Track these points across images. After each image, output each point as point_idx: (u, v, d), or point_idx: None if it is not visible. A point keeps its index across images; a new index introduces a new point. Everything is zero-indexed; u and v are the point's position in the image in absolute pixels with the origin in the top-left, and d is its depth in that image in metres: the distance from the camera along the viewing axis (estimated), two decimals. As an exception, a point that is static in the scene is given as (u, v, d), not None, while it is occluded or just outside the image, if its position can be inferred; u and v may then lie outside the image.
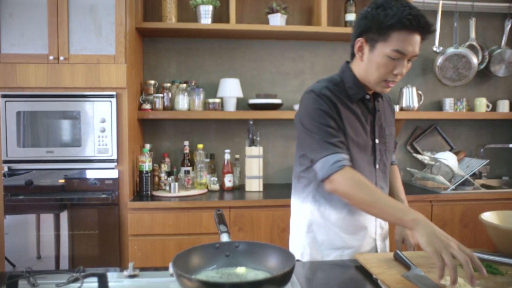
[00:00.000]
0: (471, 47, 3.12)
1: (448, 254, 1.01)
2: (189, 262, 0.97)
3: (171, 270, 1.12)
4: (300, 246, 1.49)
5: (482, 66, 3.17)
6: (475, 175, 3.07)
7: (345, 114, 1.36)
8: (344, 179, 1.26)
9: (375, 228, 1.47)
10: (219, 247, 1.02)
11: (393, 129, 1.53)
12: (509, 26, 3.16)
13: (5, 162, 2.37)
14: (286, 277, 0.87)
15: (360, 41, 1.32)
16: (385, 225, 1.53)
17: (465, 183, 2.74)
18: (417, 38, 1.25)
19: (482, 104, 3.13)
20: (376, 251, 1.49)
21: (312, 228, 1.47)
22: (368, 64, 1.33)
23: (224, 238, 1.05)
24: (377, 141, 1.43)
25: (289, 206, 2.45)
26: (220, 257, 1.01)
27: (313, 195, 1.45)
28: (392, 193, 1.59)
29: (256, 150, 2.73)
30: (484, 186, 2.87)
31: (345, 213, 1.41)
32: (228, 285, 0.83)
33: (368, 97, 1.41)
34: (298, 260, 1.48)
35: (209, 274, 0.97)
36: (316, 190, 1.43)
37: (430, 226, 1.11)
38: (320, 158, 1.30)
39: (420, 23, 1.22)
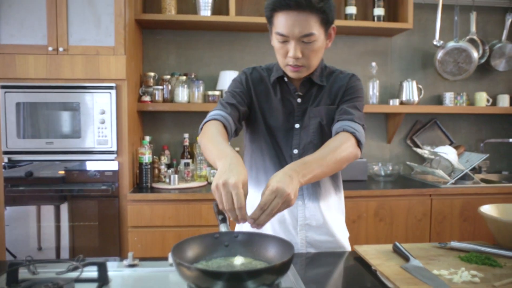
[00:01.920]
0: (472, 41, 3.11)
1: (219, 196, 0.95)
2: (188, 251, 0.97)
3: (170, 260, 1.13)
4: None
5: (483, 61, 3.16)
6: (475, 170, 3.07)
7: (262, 96, 1.38)
8: (203, 132, 1.23)
9: (292, 220, 1.36)
10: (218, 237, 1.02)
11: (330, 111, 1.35)
12: (510, 20, 3.15)
13: (5, 153, 2.37)
14: (284, 266, 0.87)
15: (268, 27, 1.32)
16: (319, 219, 1.37)
17: (464, 177, 2.74)
18: (296, 17, 1.18)
19: (482, 99, 3.13)
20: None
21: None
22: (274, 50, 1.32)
23: (223, 228, 1.05)
24: (297, 125, 1.36)
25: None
26: (219, 247, 1.01)
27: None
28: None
29: (256, 143, 2.73)
30: (483, 180, 2.88)
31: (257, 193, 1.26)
32: (227, 273, 0.83)
33: (286, 79, 1.36)
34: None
35: (208, 264, 0.97)
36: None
37: (225, 169, 0.98)
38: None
39: (285, 1, 1.17)
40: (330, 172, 1.16)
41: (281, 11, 1.20)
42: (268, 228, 1.38)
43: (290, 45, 1.23)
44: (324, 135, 1.36)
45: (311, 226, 1.39)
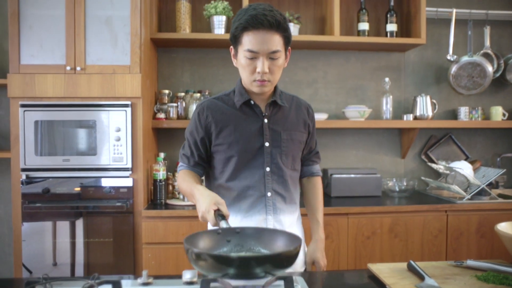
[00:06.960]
0: (486, 55, 3.09)
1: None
2: (200, 242, 1.04)
3: (184, 278, 1.14)
4: None
5: (498, 74, 3.14)
6: (492, 185, 3.02)
7: (225, 121, 1.47)
8: (178, 180, 1.54)
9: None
10: (221, 233, 1.10)
11: (297, 134, 1.54)
12: (525, 34, 3.13)
13: (23, 170, 2.41)
14: (292, 255, 0.90)
15: (231, 49, 1.46)
16: (283, 225, 1.50)
17: (481, 192, 2.70)
18: (265, 35, 1.33)
19: (498, 113, 3.09)
20: None
21: None
22: (239, 69, 1.44)
23: (223, 224, 1.11)
24: (266, 144, 1.47)
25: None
26: (225, 242, 1.09)
27: None
28: (309, 211, 1.64)
29: (269, 159, 2.73)
30: (501, 196, 2.83)
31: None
32: (236, 258, 0.86)
33: (253, 102, 1.48)
34: None
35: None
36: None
37: (204, 197, 1.24)
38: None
39: (257, 21, 1.31)
40: None
41: (252, 29, 1.34)
42: None
43: (259, 61, 1.36)
44: (291, 154, 1.52)
45: None
